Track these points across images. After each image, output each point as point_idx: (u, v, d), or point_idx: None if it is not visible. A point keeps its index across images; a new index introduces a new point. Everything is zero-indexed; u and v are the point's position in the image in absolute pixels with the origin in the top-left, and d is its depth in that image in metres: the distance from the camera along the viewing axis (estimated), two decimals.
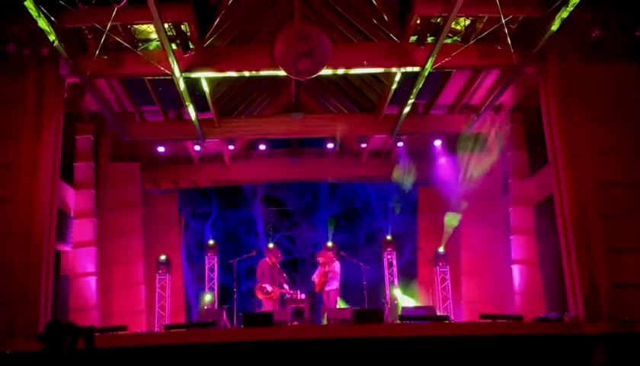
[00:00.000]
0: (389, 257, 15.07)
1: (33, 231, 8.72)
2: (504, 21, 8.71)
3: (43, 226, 8.84)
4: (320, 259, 12.13)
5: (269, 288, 11.46)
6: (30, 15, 7.92)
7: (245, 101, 13.54)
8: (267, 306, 11.48)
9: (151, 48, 9.68)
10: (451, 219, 13.09)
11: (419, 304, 13.36)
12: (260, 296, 11.66)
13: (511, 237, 11.78)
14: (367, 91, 12.86)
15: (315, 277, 12.00)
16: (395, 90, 11.00)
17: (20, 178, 8.92)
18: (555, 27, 8.54)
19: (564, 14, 8.21)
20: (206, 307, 13.62)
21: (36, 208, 8.82)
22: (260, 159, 14.99)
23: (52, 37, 8.42)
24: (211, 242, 15.17)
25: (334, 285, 11.86)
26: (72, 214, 11.42)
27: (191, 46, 9.48)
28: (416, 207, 15.07)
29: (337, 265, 12.09)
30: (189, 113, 11.21)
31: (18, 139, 9.08)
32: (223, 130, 12.70)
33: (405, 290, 14.32)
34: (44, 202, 8.94)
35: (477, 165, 12.38)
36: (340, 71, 10.22)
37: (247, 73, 10.17)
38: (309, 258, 16.87)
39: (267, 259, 11.97)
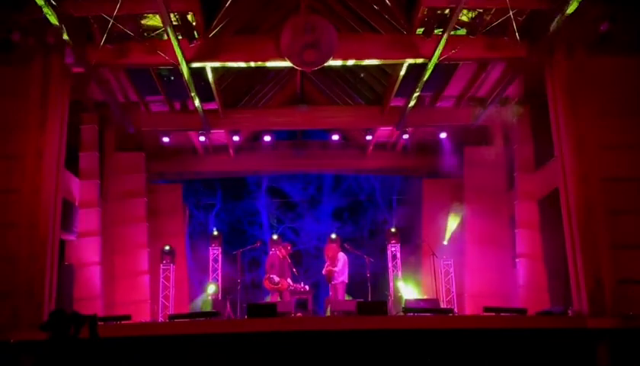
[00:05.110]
0: (393, 249, 15.04)
1: (37, 221, 8.72)
2: (511, 13, 8.65)
3: (48, 217, 8.84)
4: (328, 253, 12.15)
5: (276, 279, 11.48)
6: (36, 4, 7.90)
7: (250, 92, 13.51)
8: (274, 297, 11.52)
9: (156, 38, 9.66)
10: (455, 213, 13.07)
11: (423, 297, 13.34)
12: (268, 286, 11.71)
13: (516, 231, 11.76)
14: (373, 82, 12.81)
15: (324, 272, 12.05)
16: (402, 79, 10.95)
17: (26, 168, 8.90)
18: (564, 18, 8.47)
19: (573, 6, 8.13)
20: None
21: (41, 198, 8.81)
22: (265, 151, 14.97)
23: (54, 20, 8.33)
24: (215, 232, 15.17)
25: (340, 278, 11.85)
26: (76, 204, 11.43)
27: (197, 36, 9.45)
28: (420, 199, 15.04)
29: (341, 257, 12.08)
30: (194, 104, 11.19)
31: (23, 129, 9.05)
32: (228, 120, 12.69)
33: (409, 282, 14.29)
34: (49, 192, 8.93)
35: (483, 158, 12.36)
36: (348, 62, 10.19)
37: (252, 64, 10.14)
38: (313, 250, 16.88)
39: (278, 252, 11.97)
